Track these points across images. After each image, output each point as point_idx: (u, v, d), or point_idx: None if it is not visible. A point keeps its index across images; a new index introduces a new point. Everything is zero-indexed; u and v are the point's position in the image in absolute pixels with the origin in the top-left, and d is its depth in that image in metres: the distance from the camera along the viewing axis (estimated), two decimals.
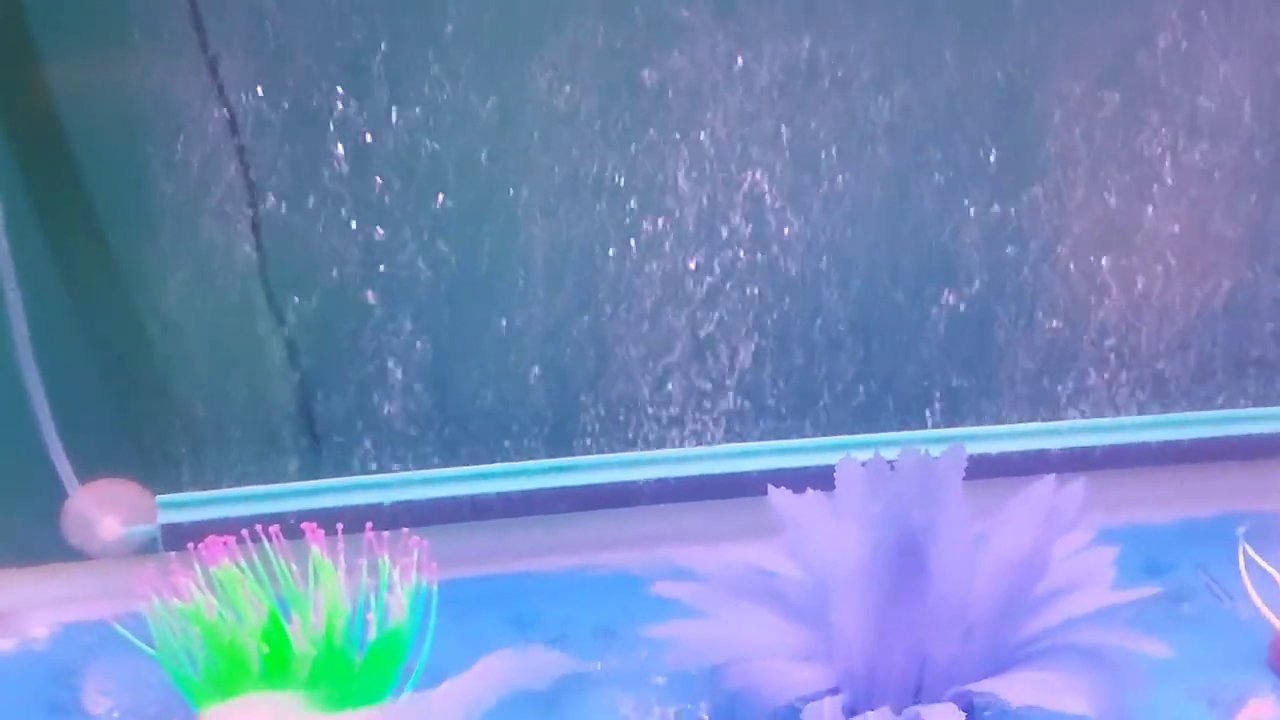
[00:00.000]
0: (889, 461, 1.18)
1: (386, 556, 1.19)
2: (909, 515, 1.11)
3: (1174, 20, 1.54)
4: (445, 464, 1.50)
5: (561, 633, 1.37)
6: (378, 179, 1.44)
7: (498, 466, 1.49)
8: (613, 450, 1.55)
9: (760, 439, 1.55)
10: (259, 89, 1.40)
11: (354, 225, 1.46)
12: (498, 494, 1.47)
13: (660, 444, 1.54)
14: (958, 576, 1.13)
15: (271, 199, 1.45)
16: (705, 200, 1.51)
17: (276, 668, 1.17)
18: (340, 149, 1.43)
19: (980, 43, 1.52)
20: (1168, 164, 1.59)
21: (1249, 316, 1.68)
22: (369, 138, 1.43)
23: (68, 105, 1.39)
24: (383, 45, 1.41)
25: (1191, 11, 1.53)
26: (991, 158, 1.56)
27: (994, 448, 1.57)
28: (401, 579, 1.20)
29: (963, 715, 1.08)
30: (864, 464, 1.19)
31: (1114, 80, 1.56)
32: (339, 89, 1.41)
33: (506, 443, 1.53)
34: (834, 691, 1.14)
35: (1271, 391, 1.71)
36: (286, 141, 1.42)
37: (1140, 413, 1.69)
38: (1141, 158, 1.59)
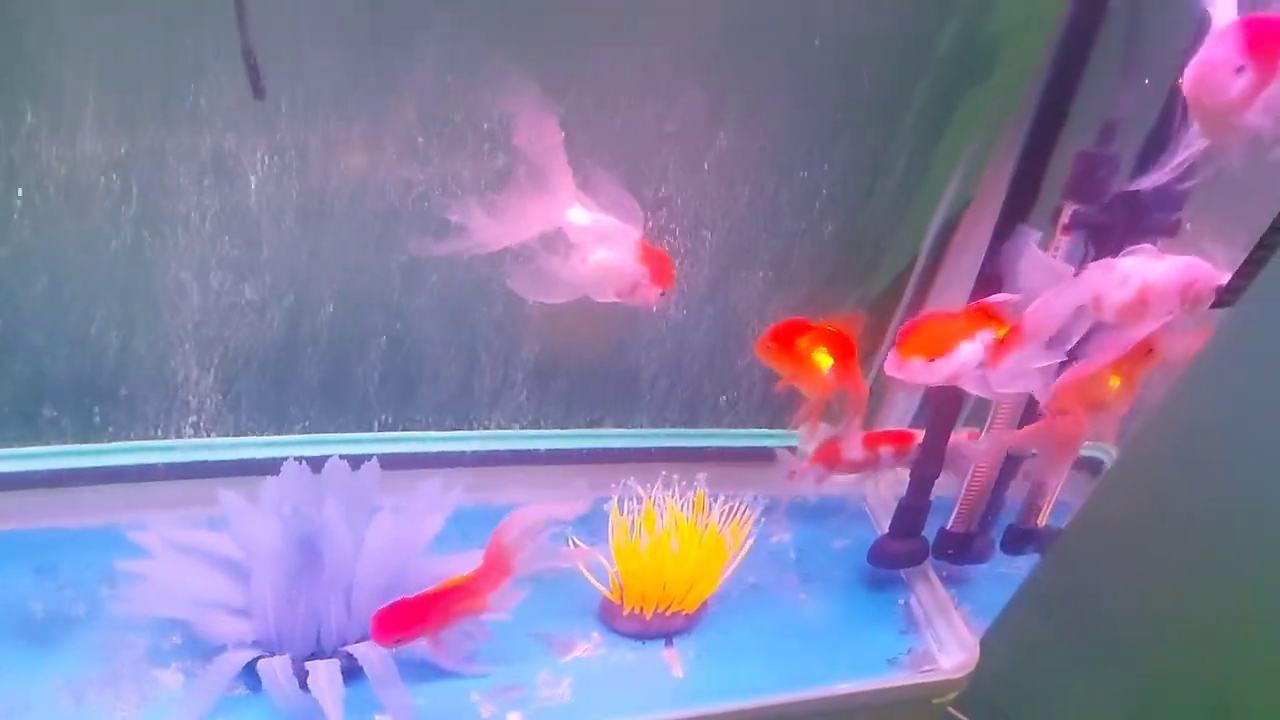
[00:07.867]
0: (310, 467, 1.43)
1: None
2: (309, 517, 1.38)
3: None
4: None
5: (75, 578, 1.50)
6: None
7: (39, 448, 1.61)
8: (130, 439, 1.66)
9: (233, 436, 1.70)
10: None
11: None
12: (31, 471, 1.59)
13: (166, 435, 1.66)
14: (344, 566, 1.41)
15: None
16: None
17: None
18: None
19: None
20: None
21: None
22: None
23: None
24: None
25: None
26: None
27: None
28: None
29: (338, 666, 1.35)
30: (285, 471, 1.43)
31: None
32: None
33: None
34: (255, 644, 1.39)
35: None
36: None
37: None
38: None
